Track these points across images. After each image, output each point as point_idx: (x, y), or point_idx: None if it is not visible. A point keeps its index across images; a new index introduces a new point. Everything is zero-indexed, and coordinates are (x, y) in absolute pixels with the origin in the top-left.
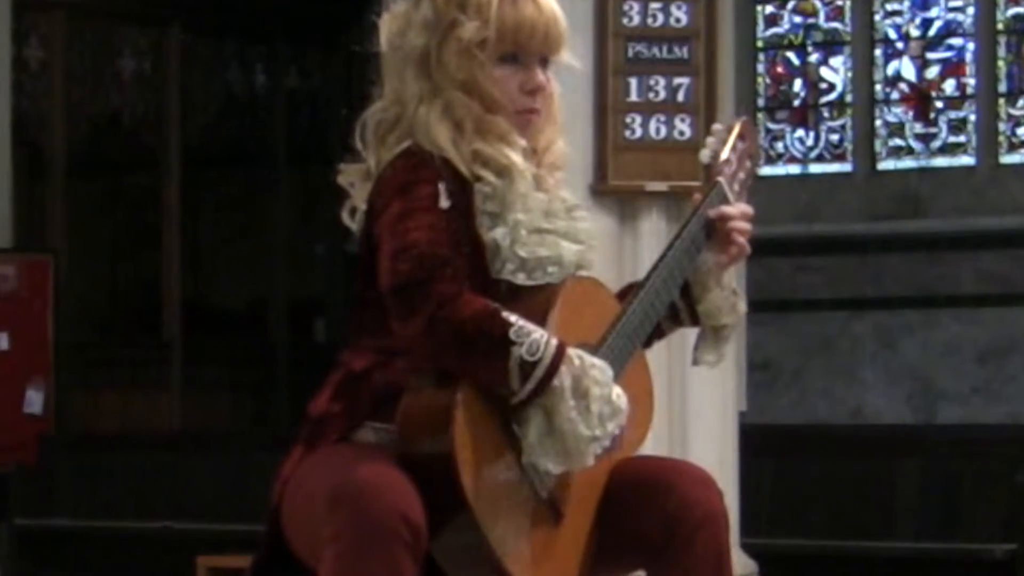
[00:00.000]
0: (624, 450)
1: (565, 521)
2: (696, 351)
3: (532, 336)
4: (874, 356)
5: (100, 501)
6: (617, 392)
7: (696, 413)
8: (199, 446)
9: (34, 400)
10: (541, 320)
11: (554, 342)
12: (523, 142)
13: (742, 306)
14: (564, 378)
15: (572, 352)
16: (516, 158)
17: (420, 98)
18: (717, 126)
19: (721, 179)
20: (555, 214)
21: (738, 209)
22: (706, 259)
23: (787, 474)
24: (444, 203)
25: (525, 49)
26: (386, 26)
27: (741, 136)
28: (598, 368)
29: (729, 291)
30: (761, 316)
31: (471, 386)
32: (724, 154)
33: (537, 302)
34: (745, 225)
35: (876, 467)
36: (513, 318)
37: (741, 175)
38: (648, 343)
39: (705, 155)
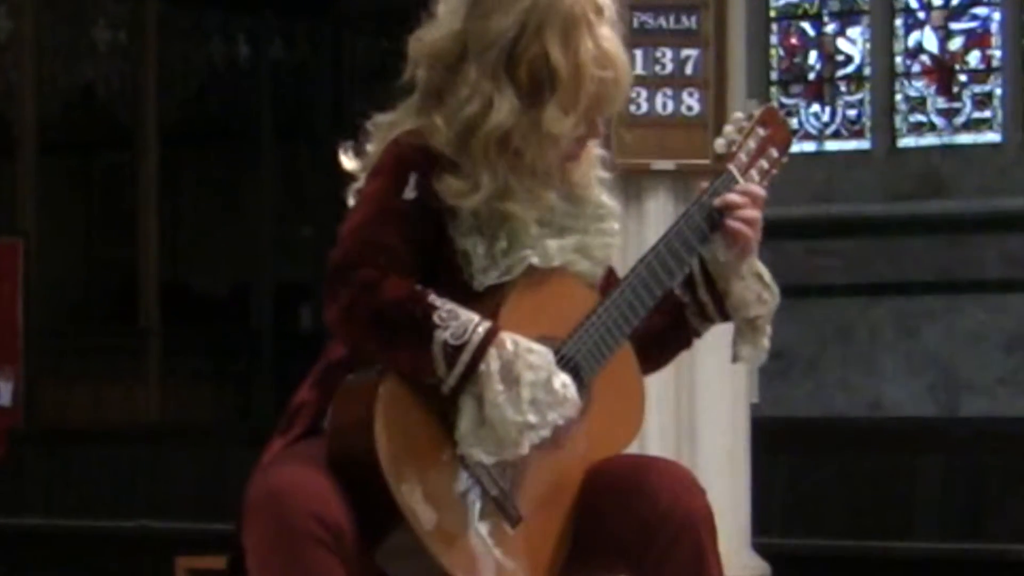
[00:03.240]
0: (605, 449)
1: (526, 523)
2: (734, 346)
3: (460, 319)
4: (894, 345)
5: (73, 499)
6: (562, 381)
7: (705, 405)
8: (178, 440)
9: (2, 391)
10: (495, 313)
11: (485, 325)
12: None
13: (768, 296)
14: (492, 362)
15: (507, 337)
16: (526, 215)
17: (489, 180)
18: (738, 114)
19: (731, 166)
20: (572, 228)
21: (744, 195)
22: (717, 252)
23: (802, 470)
24: (410, 193)
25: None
26: (434, 48)
27: (763, 123)
28: (536, 353)
29: (753, 281)
30: None
31: (397, 378)
32: (740, 141)
33: (495, 296)
34: (752, 212)
35: (896, 463)
36: (440, 302)
37: (764, 164)
38: (681, 344)
39: (720, 144)
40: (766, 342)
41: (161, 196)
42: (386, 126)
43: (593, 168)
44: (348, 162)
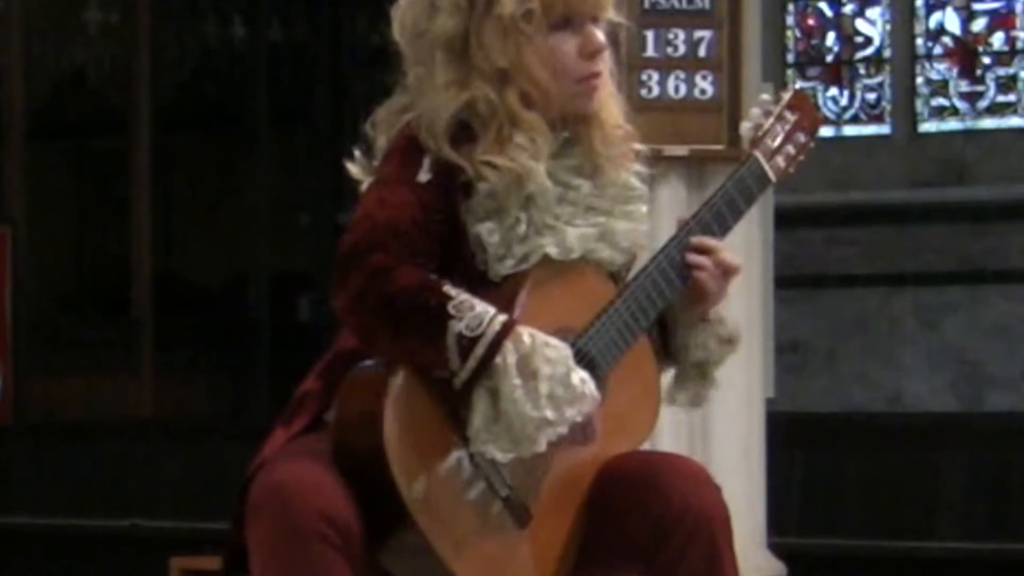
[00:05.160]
0: (619, 445)
1: (536, 523)
2: (670, 389)
3: (475, 311)
4: (915, 337)
5: (63, 497)
6: (580, 376)
7: (719, 400)
8: (172, 436)
9: None
10: (510, 303)
11: (501, 318)
12: (550, 138)
13: (713, 344)
14: (508, 355)
15: (524, 330)
16: (534, 165)
17: (447, 86)
18: (765, 96)
19: (757, 152)
20: (597, 208)
21: (714, 258)
22: (681, 296)
23: (819, 467)
24: (423, 176)
25: (576, 11)
26: (405, 12)
27: (791, 107)
28: (553, 347)
29: (704, 328)
30: (790, 293)
31: (408, 372)
32: (767, 126)
33: (511, 285)
34: (713, 270)
35: (917, 459)
36: (454, 292)
37: (791, 149)
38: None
39: (746, 128)
40: (708, 392)
41: (154, 183)
42: (394, 115)
43: (620, 145)
44: (355, 170)
